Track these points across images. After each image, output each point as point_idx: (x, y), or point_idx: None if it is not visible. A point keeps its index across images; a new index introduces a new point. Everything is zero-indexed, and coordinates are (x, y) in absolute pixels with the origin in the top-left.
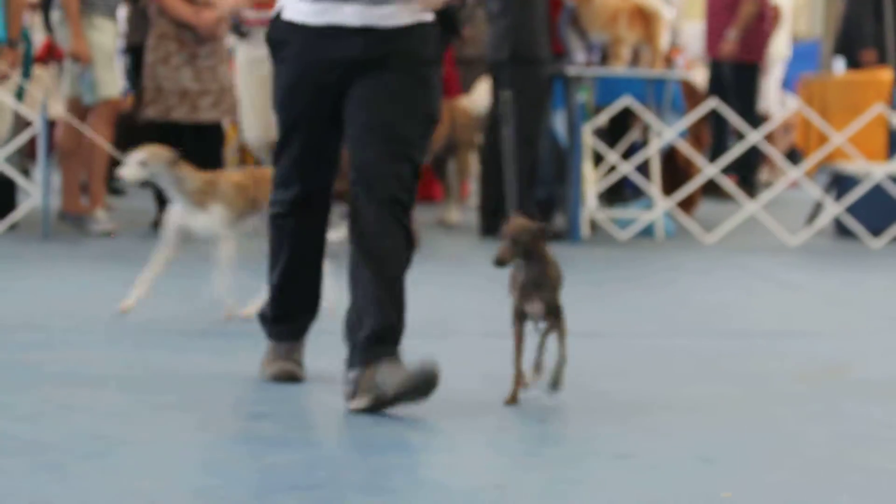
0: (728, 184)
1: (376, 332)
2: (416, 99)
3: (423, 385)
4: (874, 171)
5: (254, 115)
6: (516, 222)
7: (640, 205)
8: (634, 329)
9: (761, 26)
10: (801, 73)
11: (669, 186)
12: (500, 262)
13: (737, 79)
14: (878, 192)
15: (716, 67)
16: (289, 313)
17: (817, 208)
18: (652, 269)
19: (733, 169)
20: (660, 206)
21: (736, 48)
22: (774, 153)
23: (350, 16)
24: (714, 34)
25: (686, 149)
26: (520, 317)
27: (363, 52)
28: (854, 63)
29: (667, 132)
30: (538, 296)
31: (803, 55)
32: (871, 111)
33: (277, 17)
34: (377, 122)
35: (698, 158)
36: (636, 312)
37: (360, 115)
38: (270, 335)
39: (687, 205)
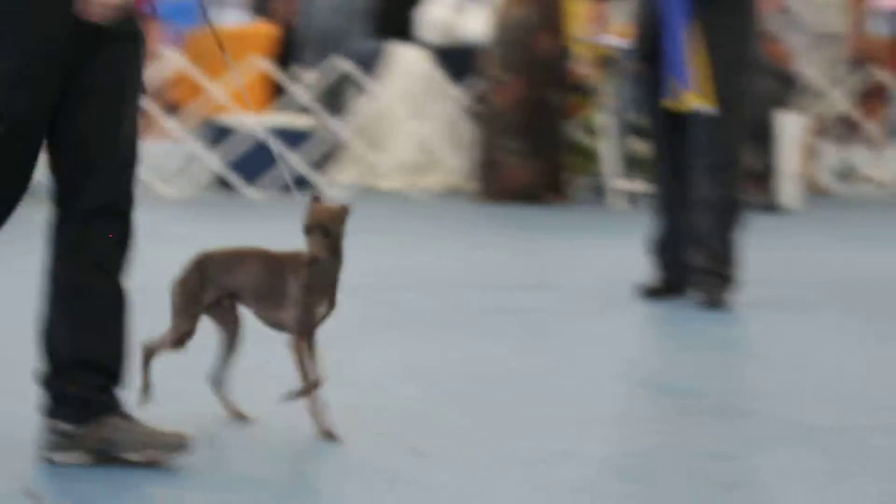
0: None
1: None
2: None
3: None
4: (253, 123)
5: None
6: (321, 206)
7: None
8: None
9: None
10: (177, 27)
11: None
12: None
13: None
14: (257, 144)
15: None
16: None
17: (197, 161)
18: None
19: None
20: None
21: None
22: (153, 107)
23: None
24: None
25: None
26: (312, 326)
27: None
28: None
29: None
30: (331, 297)
31: (180, 10)
32: (249, 64)
33: None
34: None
35: None
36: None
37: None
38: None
39: None
